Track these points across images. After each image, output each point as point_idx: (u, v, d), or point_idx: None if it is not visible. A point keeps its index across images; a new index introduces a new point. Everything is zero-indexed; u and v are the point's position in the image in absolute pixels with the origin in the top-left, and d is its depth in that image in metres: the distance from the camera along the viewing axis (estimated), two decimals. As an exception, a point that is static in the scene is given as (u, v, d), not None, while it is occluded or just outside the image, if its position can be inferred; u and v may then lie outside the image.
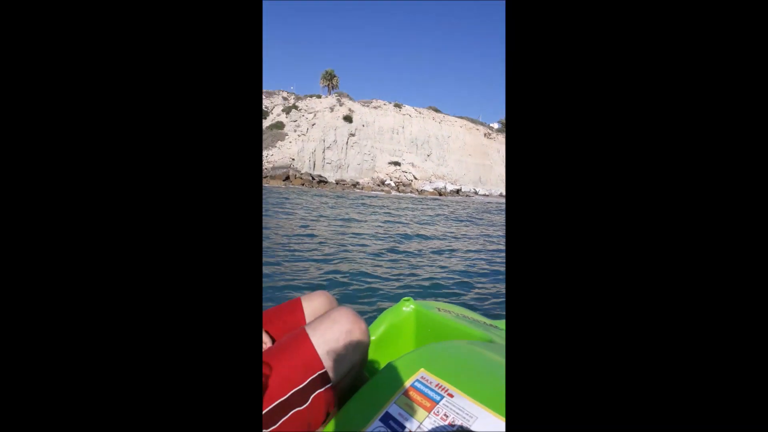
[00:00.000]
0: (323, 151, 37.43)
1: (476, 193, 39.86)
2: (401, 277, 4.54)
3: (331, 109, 41.56)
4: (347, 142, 39.02)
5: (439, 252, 6.52)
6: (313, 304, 0.99)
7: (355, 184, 36.00)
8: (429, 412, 0.66)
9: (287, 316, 0.97)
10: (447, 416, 0.65)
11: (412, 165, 41.08)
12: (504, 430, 0.57)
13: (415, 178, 39.63)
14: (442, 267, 5.29)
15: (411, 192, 36.57)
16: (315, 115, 41.31)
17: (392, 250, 6.36)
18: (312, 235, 7.28)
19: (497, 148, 46.20)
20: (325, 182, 34.47)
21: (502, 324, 1.49)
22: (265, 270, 4.14)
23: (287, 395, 0.71)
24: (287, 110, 42.87)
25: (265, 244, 5.91)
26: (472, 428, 0.60)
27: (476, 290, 4.15)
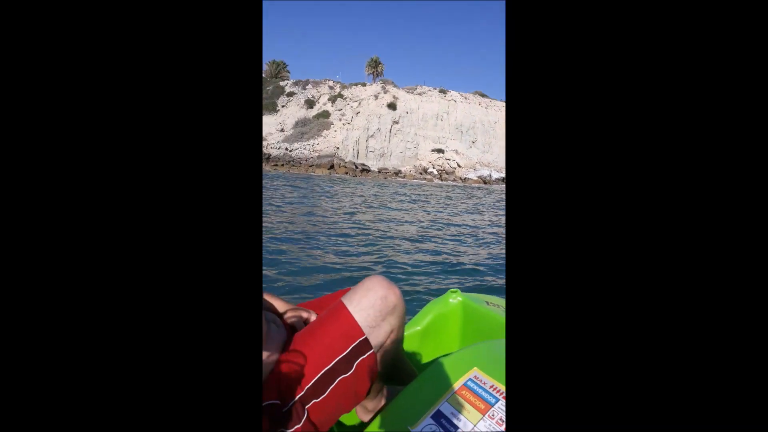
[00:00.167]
0: (367, 140, 37.61)
1: (523, 181, 38.20)
2: (445, 266, 4.49)
3: (376, 97, 41.51)
4: (390, 130, 38.91)
5: (486, 244, 6.36)
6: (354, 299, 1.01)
7: (397, 173, 35.94)
8: (483, 415, 0.65)
9: (333, 300, 0.99)
10: (503, 420, 0.63)
11: (456, 152, 40.27)
12: None
13: (459, 166, 38.85)
14: (489, 256, 5.16)
15: (454, 180, 35.94)
16: (359, 103, 41.48)
17: (435, 239, 6.29)
18: (357, 223, 7.37)
19: (547, 134, 43.89)
20: (368, 171, 34.70)
21: None
22: (308, 261, 4.27)
23: (332, 363, 0.74)
24: (333, 99, 43.37)
25: (309, 230, 6.18)
26: None
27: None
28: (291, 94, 44.79)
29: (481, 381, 0.71)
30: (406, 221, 8.39)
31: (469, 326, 1.27)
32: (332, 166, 34.40)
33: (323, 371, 0.74)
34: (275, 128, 40.55)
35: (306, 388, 0.73)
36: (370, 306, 0.78)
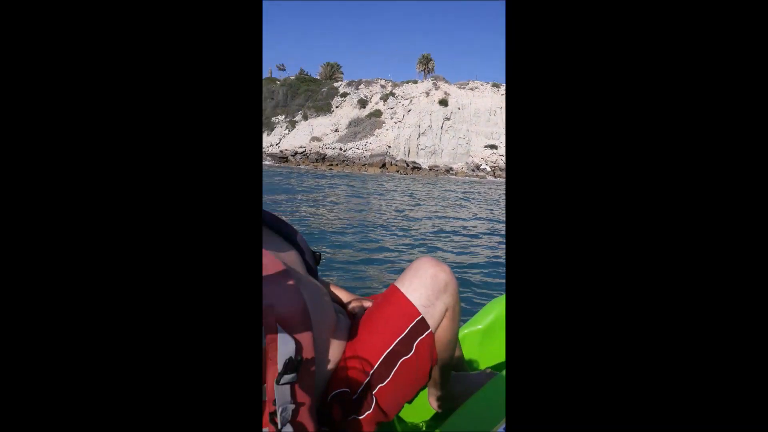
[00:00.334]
0: (418, 137, 37.70)
1: (583, 177, 36.20)
2: (501, 264, 4.62)
3: (427, 94, 41.43)
4: (442, 127, 38.69)
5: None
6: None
7: (449, 170, 35.70)
8: None
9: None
10: None
11: (511, 148, 38.96)
12: None
13: (514, 163, 37.55)
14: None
15: (509, 177, 34.85)
16: (411, 101, 41.61)
17: (490, 234, 6.38)
18: (408, 218, 7.61)
19: (610, 127, 41.16)
20: (419, 168, 34.82)
21: None
22: (364, 255, 4.50)
23: (392, 346, 0.75)
24: (384, 98, 43.87)
25: (365, 224, 6.49)
26: None
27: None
28: (344, 95, 45.92)
29: None
30: (458, 218, 8.54)
31: None
32: (384, 165, 34.91)
33: (385, 354, 0.75)
34: (330, 129, 41.85)
35: (371, 373, 0.74)
36: (421, 285, 0.78)
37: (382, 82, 47.40)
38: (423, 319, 0.77)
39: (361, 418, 0.72)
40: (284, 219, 0.86)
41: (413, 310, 0.77)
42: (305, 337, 0.62)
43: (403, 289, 0.79)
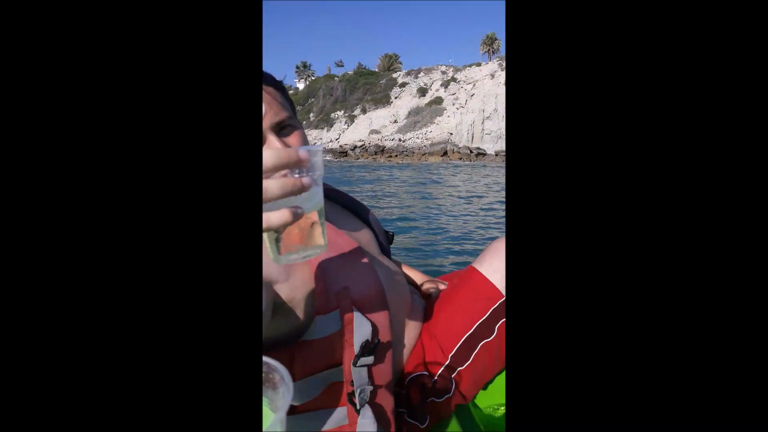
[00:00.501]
0: (482, 122, 35.15)
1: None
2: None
3: (492, 76, 38.57)
4: (509, 109, 35.50)
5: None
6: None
7: (519, 154, 32.52)
8: None
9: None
10: None
11: (591, 127, 34.61)
12: None
13: (595, 142, 33.28)
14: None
15: (589, 158, 30.80)
16: (474, 85, 39.14)
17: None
18: (476, 204, 7.29)
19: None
20: (484, 154, 32.34)
21: None
22: (427, 237, 4.54)
23: (473, 329, 0.72)
24: (445, 84, 41.88)
25: (427, 211, 6.58)
26: None
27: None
28: (403, 85, 44.73)
29: None
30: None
31: None
32: (445, 153, 33.14)
33: (465, 337, 0.72)
34: (389, 120, 40.98)
35: (450, 356, 0.72)
36: (503, 267, 0.74)
37: (443, 68, 45.35)
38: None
39: (439, 401, 0.71)
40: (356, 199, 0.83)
41: (495, 291, 0.75)
42: (382, 319, 0.61)
43: (482, 270, 0.77)
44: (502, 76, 37.56)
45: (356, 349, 0.58)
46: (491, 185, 11.35)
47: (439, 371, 0.72)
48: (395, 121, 40.60)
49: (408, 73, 46.58)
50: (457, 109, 37.63)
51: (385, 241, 0.82)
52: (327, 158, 34.23)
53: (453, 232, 5.02)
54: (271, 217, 0.35)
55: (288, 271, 0.57)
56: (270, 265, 0.51)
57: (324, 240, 0.41)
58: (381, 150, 35.90)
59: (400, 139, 37.15)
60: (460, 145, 34.01)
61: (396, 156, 34.14)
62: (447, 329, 0.74)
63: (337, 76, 50.71)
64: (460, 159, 31.31)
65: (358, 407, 0.58)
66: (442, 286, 0.90)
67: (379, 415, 0.61)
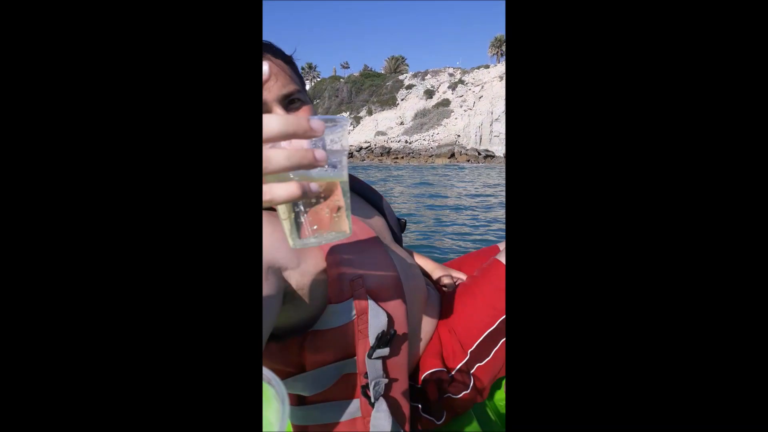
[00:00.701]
0: (491, 124, 34.38)
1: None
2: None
3: (501, 78, 37.88)
4: (518, 111, 34.75)
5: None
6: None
7: (528, 157, 31.72)
8: None
9: (483, 258, 0.90)
10: None
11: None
12: None
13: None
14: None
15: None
16: (482, 87, 38.46)
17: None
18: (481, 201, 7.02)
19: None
20: (492, 156, 31.54)
21: None
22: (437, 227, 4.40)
23: (495, 324, 0.69)
24: (453, 86, 41.26)
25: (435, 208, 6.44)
26: None
27: None
28: (410, 87, 44.17)
29: None
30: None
31: None
32: (452, 155, 32.43)
33: (486, 333, 0.69)
34: (395, 122, 40.38)
35: (469, 351, 0.70)
36: None
37: (450, 70, 44.76)
38: None
39: (456, 397, 0.69)
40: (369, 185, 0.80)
41: None
42: (398, 310, 0.59)
43: None
44: (510, 78, 36.73)
45: (371, 340, 0.55)
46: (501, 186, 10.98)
47: (457, 367, 0.69)
48: (402, 123, 39.99)
49: (415, 75, 46.05)
50: (465, 111, 36.97)
51: (397, 230, 0.78)
52: (332, 160, 33.56)
53: (465, 228, 4.84)
54: (275, 190, 0.30)
55: (299, 257, 0.54)
56: (279, 249, 0.50)
57: (349, 225, 0.38)
58: (387, 152, 35.29)
59: (406, 141, 36.54)
60: (468, 147, 33.28)
61: (402, 158, 33.49)
62: (468, 325, 0.71)
63: (343, 78, 50.32)
64: (468, 161, 30.57)
65: (372, 400, 0.56)
66: (455, 274, 0.86)
67: (394, 409, 0.58)
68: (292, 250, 0.52)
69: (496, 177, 13.80)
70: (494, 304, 0.70)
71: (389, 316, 0.57)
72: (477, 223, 5.24)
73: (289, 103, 0.55)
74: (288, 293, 0.53)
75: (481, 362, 0.69)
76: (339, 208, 0.37)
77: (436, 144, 34.93)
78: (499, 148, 33.24)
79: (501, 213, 5.98)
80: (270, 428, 0.24)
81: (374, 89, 45.73)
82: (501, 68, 39.89)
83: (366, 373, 0.55)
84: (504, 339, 0.69)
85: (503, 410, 0.78)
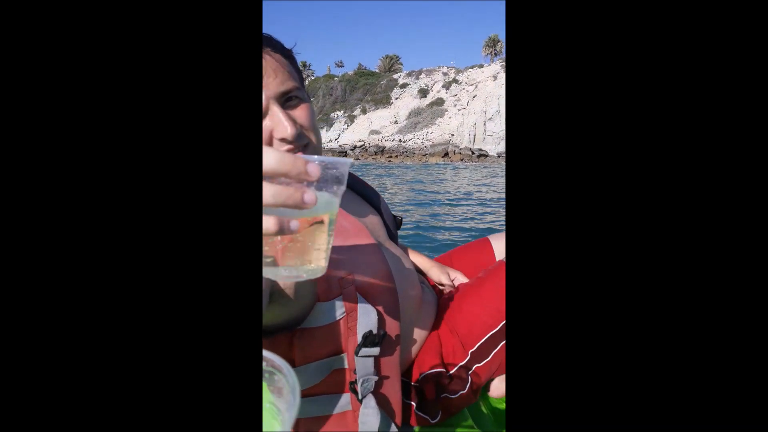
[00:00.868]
0: (484, 123, 34.55)
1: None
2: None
3: (494, 78, 38.06)
4: (512, 111, 34.96)
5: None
6: (503, 243, 0.92)
7: (522, 156, 31.92)
8: None
9: (477, 255, 0.91)
10: None
11: (595, 129, 34.05)
12: None
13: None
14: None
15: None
16: (476, 86, 38.62)
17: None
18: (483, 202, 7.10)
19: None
20: (486, 156, 31.69)
21: None
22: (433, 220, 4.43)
23: (498, 327, 0.69)
24: (447, 85, 41.36)
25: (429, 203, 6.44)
26: None
27: None
28: (404, 86, 44.20)
29: None
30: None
31: None
32: (446, 154, 32.56)
33: (488, 335, 0.69)
34: (389, 121, 40.39)
35: (470, 352, 0.70)
36: None
37: (445, 69, 44.86)
38: None
39: (453, 397, 0.69)
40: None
41: None
42: (390, 308, 0.59)
43: None
44: (504, 77, 36.96)
45: (359, 338, 0.55)
46: (498, 185, 11.06)
47: (457, 367, 0.69)
48: (396, 122, 40.01)
49: (409, 74, 46.10)
50: (459, 110, 37.10)
51: (393, 227, 0.76)
52: (326, 158, 33.56)
53: (461, 225, 4.77)
54: None
55: None
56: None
57: (325, 263, 0.37)
58: (381, 150, 35.29)
59: (400, 140, 36.57)
60: (462, 147, 33.40)
61: (396, 156, 33.53)
62: (471, 325, 0.70)
63: (337, 77, 50.23)
64: (462, 160, 30.68)
65: (360, 396, 0.56)
66: (452, 273, 0.85)
67: (384, 405, 0.59)
68: None
69: (488, 175, 13.94)
70: (499, 306, 0.69)
71: (380, 314, 0.56)
72: (468, 217, 5.25)
73: (287, 100, 0.54)
74: (275, 292, 0.51)
75: (479, 363, 0.69)
76: (320, 245, 0.37)
77: (430, 143, 35.01)
78: (493, 147, 33.40)
79: (492, 208, 6.05)
80: (275, 421, 0.24)
81: (368, 88, 45.70)
82: (495, 68, 40.08)
83: (355, 369, 0.55)
84: (504, 341, 0.69)
85: (495, 405, 0.79)
